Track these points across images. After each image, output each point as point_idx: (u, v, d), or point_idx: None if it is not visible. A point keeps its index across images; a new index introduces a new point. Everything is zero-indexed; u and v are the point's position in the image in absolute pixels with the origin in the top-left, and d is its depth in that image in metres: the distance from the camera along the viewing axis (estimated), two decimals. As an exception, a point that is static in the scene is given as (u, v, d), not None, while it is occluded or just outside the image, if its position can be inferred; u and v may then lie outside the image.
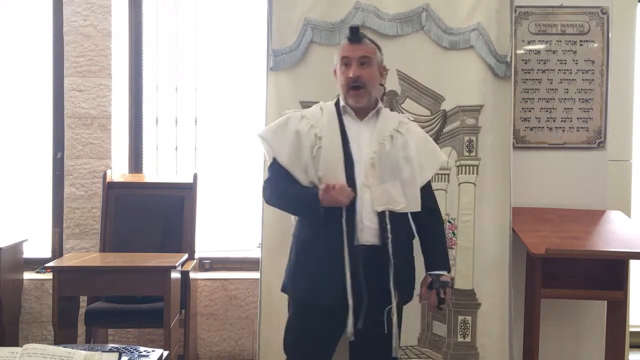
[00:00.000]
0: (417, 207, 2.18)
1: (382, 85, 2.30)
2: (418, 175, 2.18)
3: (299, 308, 2.22)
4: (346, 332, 2.09)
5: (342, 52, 2.17)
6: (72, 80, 3.60)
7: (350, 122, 2.18)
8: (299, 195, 2.15)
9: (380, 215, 2.10)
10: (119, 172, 3.66)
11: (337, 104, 2.22)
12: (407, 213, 2.19)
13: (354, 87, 2.12)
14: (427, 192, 2.24)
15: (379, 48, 2.22)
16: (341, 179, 2.09)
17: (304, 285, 2.16)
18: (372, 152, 2.13)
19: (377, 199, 2.11)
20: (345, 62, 2.14)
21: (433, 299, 2.16)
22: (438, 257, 2.22)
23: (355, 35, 2.16)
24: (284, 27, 2.72)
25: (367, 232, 2.09)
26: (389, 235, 2.08)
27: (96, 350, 1.71)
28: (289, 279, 2.23)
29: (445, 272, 2.20)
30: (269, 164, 2.24)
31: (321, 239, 2.11)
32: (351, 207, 2.07)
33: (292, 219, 2.28)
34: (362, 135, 2.17)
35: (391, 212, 2.11)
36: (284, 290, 2.27)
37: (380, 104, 2.23)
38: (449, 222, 2.72)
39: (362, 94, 2.13)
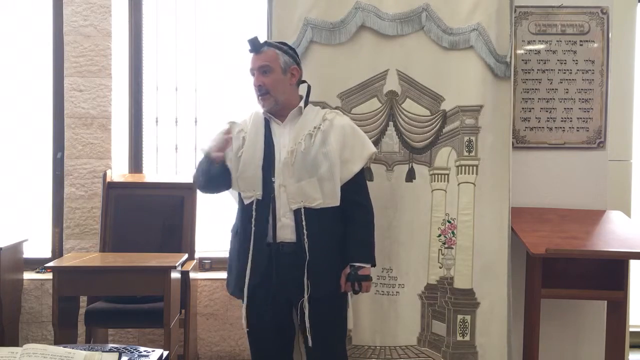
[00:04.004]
0: (335, 202, 2.28)
1: (304, 82, 2.42)
2: (337, 171, 2.27)
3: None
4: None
5: (249, 63, 2.32)
6: (72, 80, 3.61)
7: (275, 126, 2.34)
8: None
9: (296, 212, 2.23)
10: (119, 172, 3.66)
11: None
12: (333, 208, 2.28)
13: (260, 93, 2.29)
14: (355, 185, 2.34)
15: (284, 51, 2.33)
16: (256, 179, 2.26)
17: (229, 279, 2.38)
18: (287, 152, 2.26)
19: (292, 197, 2.25)
20: (252, 73, 2.31)
21: (348, 289, 2.30)
22: (359, 249, 2.32)
23: (253, 46, 2.29)
24: (284, 26, 2.71)
25: (286, 229, 2.25)
26: (305, 231, 2.20)
27: (96, 350, 1.71)
28: (228, 273, 2.41)
29: (366, 265, 2.30)
30: None
31: (240, 237, 2.30)
32: (266, 206, 2.24)
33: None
34: (283, 136, 2.31)
35: (307, 209, 2.23)
36: (227, 285, 2.43)
37: (300, 104, 2.34)
38: (449, 222, 2.72)
39: (267, 98, 2.28)
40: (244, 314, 2.32)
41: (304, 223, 2.22)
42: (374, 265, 2.36)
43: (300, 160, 2.25)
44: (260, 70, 2.27)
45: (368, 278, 2.31)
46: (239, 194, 2.35)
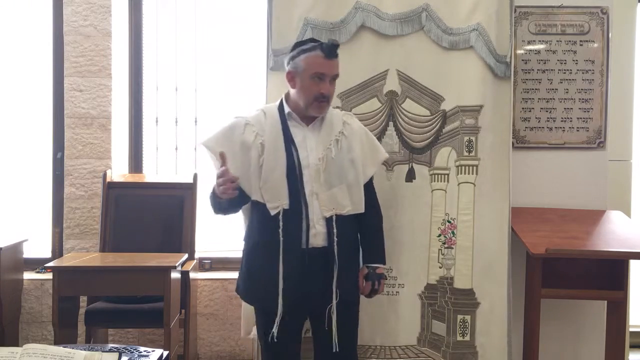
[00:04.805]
0: (361, 209, 2.29)
1: None
2: (362, 177, 2.28)
3: (256, 310, 2.35)
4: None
5: (317, 66, 2.17)
6: (72, 80, 3.60)
7: (296, 128, 2.26)
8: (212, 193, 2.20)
9: (328, 219, 2.21)
10: (119, 172, 3.66)
11: (280, 109, 2.27)
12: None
13: (325, 100, 2.20)
14: (368, 188, 2.35)
15: None
16: (282, 188, 2.18)
17: (250, 287, 2.29)
18: (318, 159, 2.21)
19: (324, 205, 2.21)
20: (320, 76, 2.18)
21: (367, 289, 2.31)
22: (375, 250, 2.36)
23: (334, 51, 2.19)
24: (283, 26, 2.71)
25: (319, 236, 2.21)
26: (335, 238, 2.20)
27: (96, 350, 1.71)
28: (241, 281, 2.34)
29: (381, 265, 2.34)
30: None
31: (265, 248, 2.21)
32: (295, 215, 2.17)
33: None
34: (308, 140, 2.25)
35: (338, 216, 2.22)
36: (237, 290, 2.38)
37: None
38: (449, 222, 2.72)
39: (326, 106, 2.23)
40: (254, 321, 2.27)
41: (335, 230, 2.20)
42: (384, 263, 2.39)
43: (330, 166, 2.22)
44: (332, 78, 2.21)
45: (384, 276, 2.36)
46: (253, 205, 2.27)
